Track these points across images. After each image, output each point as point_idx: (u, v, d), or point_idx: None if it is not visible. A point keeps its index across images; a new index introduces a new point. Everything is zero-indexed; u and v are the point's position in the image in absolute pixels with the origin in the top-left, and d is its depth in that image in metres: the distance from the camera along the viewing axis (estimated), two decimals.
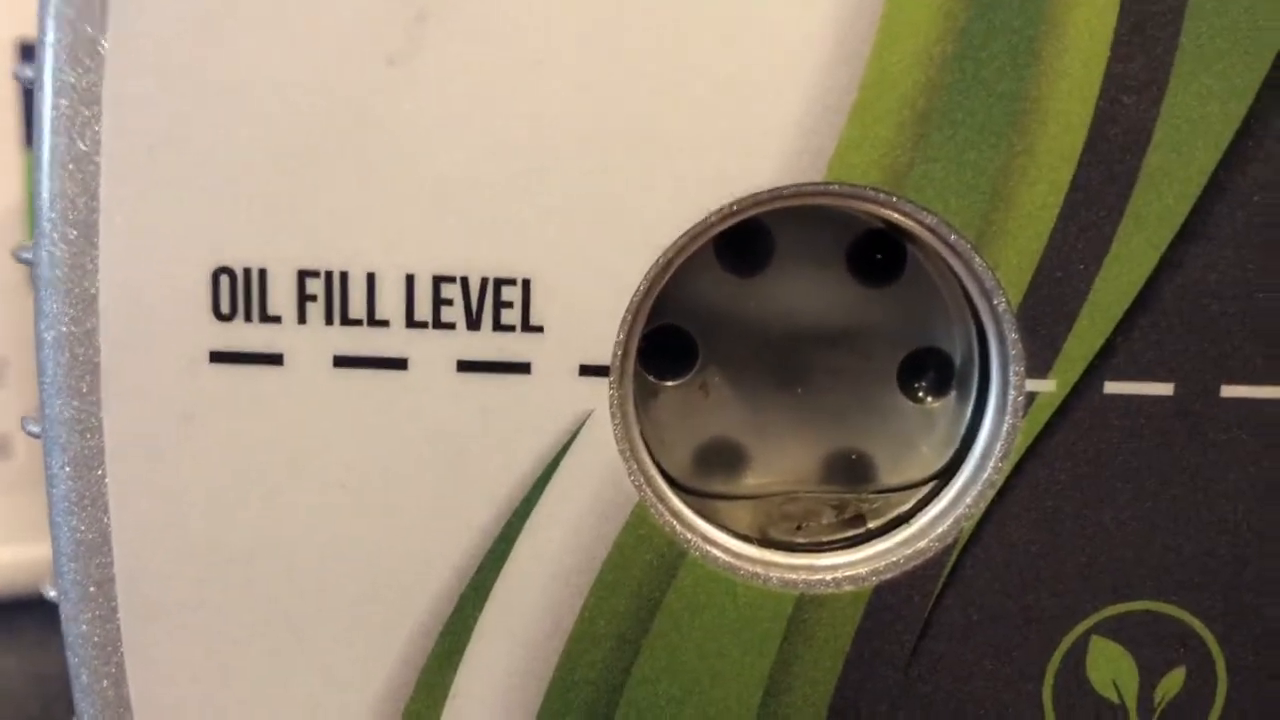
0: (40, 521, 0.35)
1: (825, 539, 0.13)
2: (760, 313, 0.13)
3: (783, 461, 0.14)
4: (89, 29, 0.11)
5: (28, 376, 0.31)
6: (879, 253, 0.13)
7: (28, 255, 0.13)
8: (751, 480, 0.14)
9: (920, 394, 0.13)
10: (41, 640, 0.32)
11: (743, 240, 0.13)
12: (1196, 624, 0.13)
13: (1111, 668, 0.13)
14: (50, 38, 0.12)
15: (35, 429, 0.13)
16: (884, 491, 0.13)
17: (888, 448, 0.14)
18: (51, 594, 0.13)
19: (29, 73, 0.12)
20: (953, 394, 0.13)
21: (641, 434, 0.13)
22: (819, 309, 0.13)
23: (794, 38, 0.11)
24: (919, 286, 0.13)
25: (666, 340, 0.13)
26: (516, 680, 0.13)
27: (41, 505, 0.32)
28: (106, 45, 0.11)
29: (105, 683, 0.13)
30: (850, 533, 0.13)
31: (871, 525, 0.13)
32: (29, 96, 0.25)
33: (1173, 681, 0.13)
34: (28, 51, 0.28)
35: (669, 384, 0.14)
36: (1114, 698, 0.13)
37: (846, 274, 0.13)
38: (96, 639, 0.13)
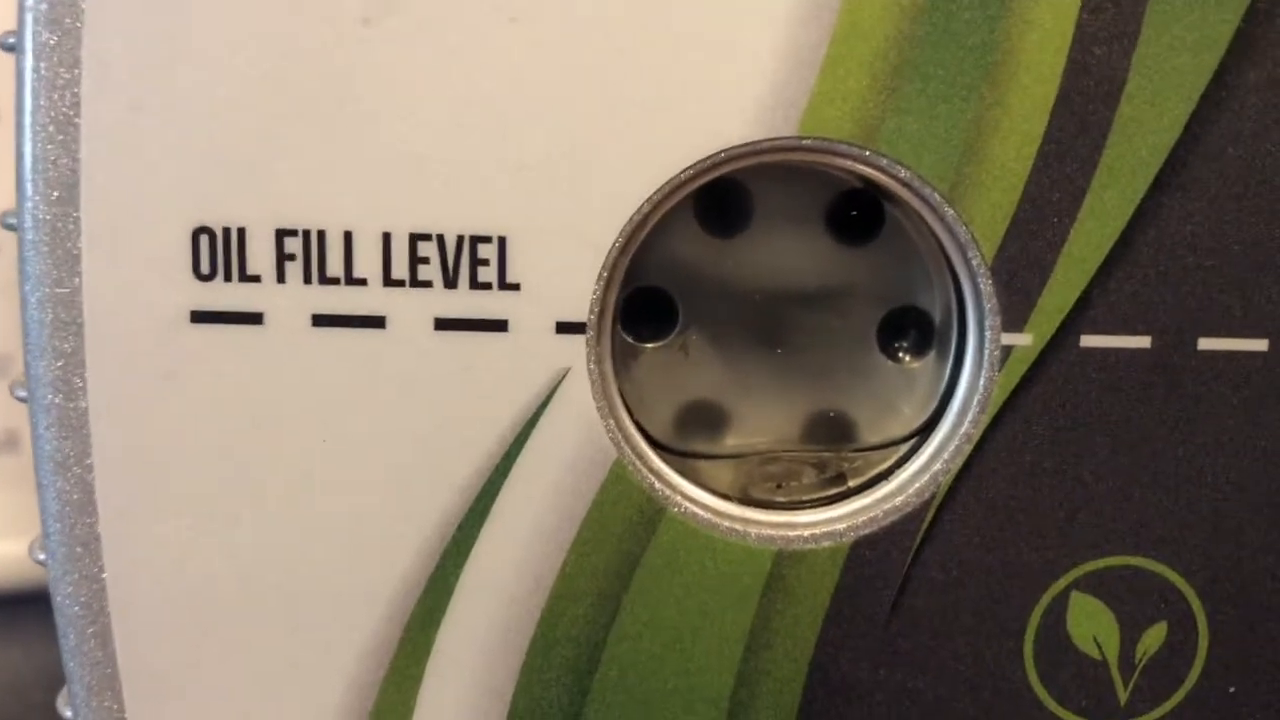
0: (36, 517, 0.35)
1: (805, 498, 0.13)
2: (740, 274, 0.14)
3: (763, 421, 0.14)
4: None
5: None
6: (856, 212, 0.13)
7: (10, 221, 0.13)
8: (732, 440, 0.14)
9: (899, 353, 0.14)
10: (48, 634, 0.32)
11: (722, 201, 0.13)
12: (1177, 579, 0.13)
13: (1092, 624, 0.13)
14: (30, 0, 0.12)
15: (22, 393, 0.13)
16: (864, 450, 0.13)
17: (867, 407, 0.14)
18: (40, 557, 0.14)
19: (10, 39, 0.12)
20: (932, 352, 0.13)
21: (621, 395, 0.13)
22: (798, 269, 0.14)
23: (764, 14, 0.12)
24: (897, 245, 0.13)
25: (647, 302, 0.14)
26: (498, 638, 0.13)
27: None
28: (85, 6, 0.12)
29: (92, 643, 0.13)
30: (830, 491, 0.13)
31: (852, 484, 0.13)
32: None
33: (1154, 637, 0.13)
34: None
35: (649, 346, 0.14)
36: (1095, 654, 0.13)
37: (825, 234, 0.13)
38: (83, 599, 0.13)
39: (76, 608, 0.13)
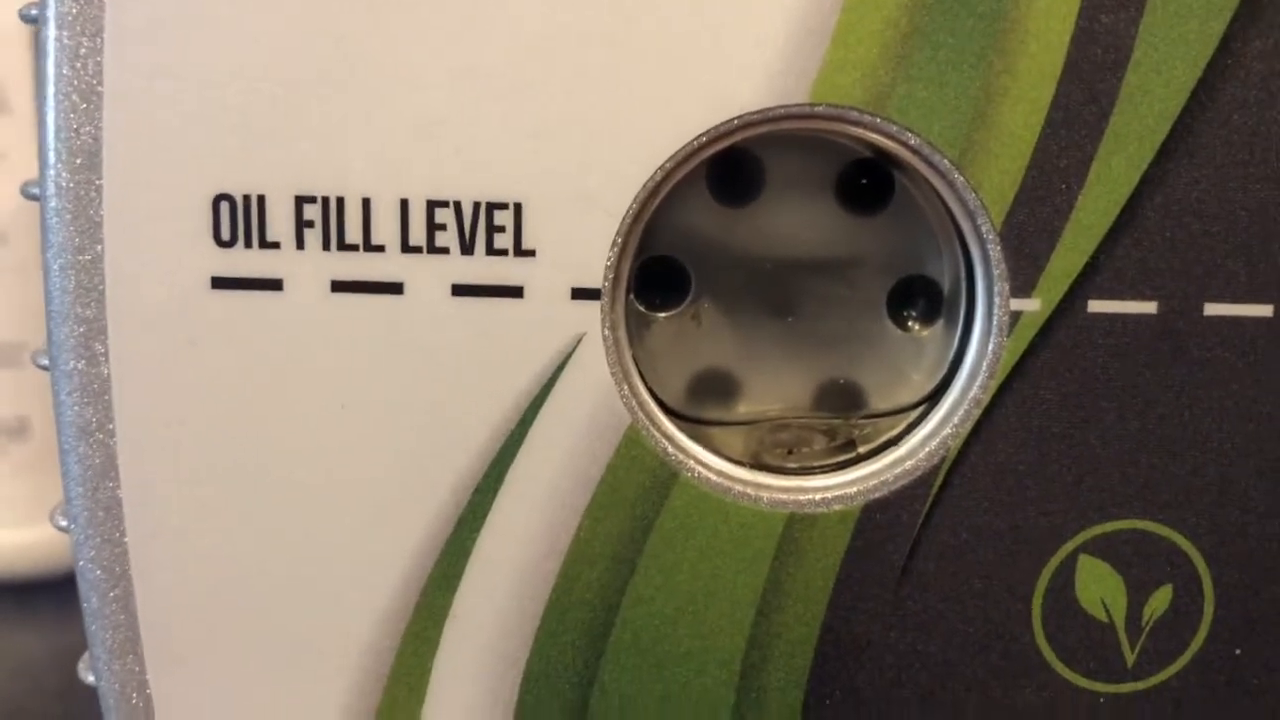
0: (51, 503, 0.35)
1: (816, 464, 0.13)
2: (751, 243, 0.14)
3: (774, 389, 0.14)
4: None
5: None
6: (866, 181, 0.13)
7: (34, 191, 0.13)
8: (744, 407, 0.14)
9: (909, 321, 0.14)
10: (62, 617, 0.32)
11: (734, 170, 0.13)
12: (1183, 542, 0.13)
13: (1099, 586, 0.13)
14: None
15: (44, 360, 0.13)
16: (874, 416, 0.14)
17: (877, 374, 0.14)
18: (62, 523, 0.14)
19: (33, 11, 0.13)
20: (941, 320, 0.14)
21: (635, 362, 0.13)
22: (809, 239, 0.14)
23: None
24: (907, 215, 0.13)
25: (660, 272, 0.14)
26: (514, 601, 0.13)
27: (54, 486, 0.33)
28: None
29: (114, 607, 0.13)
30: (841, 457, 0.13)
31: (861, 450, 0.13)
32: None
33: (1160, 599, 0.13)
34: None
35: (662, 315, 0.14)
36: (1102, 616, 0.13)
37: (835, 203, 0.14)
38: (105, 562, 0.13)
39: (98, 572, 0.13)
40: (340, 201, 0.12)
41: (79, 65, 0.12)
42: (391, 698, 0.13)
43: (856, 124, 0.12)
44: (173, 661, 0.13)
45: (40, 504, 0.33)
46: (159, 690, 0.13)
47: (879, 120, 0.12)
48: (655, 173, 0.12)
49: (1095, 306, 0.13)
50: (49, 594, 0.33)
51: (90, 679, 0.14)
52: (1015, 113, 0.12)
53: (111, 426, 0.13)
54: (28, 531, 0.33)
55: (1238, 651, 0.13)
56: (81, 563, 0.13)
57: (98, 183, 0.12)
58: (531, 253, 0.12)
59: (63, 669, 0.30)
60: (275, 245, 0.12)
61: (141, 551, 0.13)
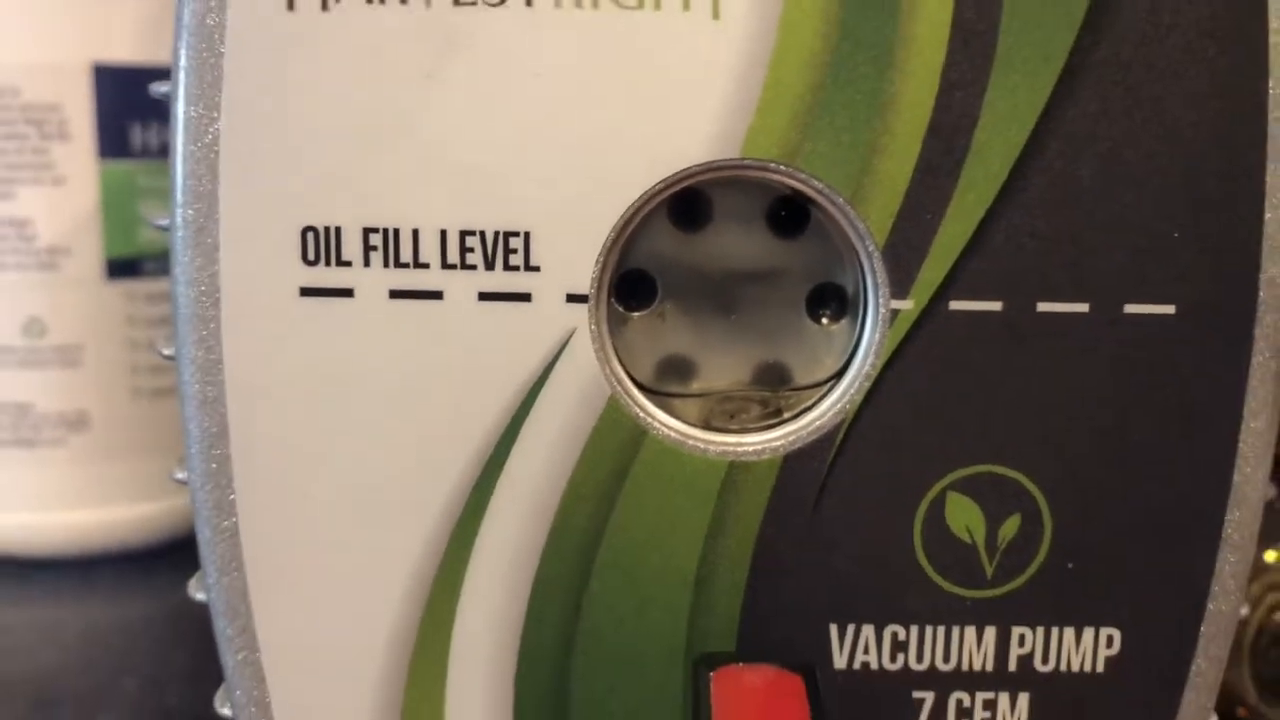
0: (116, 487, 0.40)
1: (751, 425, 0.18)
2: (703, 259, 0.18)
3: (721, 369, 0.18)
4: (212, 57, 0.16)
5: (100, 360, 0.36)
6: (789, 211, 0.18)
7: (163, 223, 0.17)
8: (698, 384, 0.18)
9: (822, 318, 0.18)
10: (116, 593, 0.36)
11: (689, 205, 0.18)
12: (1027, 482, 0.17)
13: (964, 516, 0.17)
14: (183, 62, 0.16)
15: (169, 351, 0.17)
16: (796, 390, 0.18)
17: (799, 358, 0.18)
18: (180, 476, 0.18)
19: (163, 88, 0.17)
20: (846, 317, 0.18)
21: (615, 349, 0.17)
22: (746, 255, 0.18)
23: (714, 59, 0.16)
24: (819, 237, 0.18)
25: (634, 281, 0.18)
26: (527, 524, 0.17)
27: (116, 475, 0.38)
28: (225, 68, 0.16)
29: (223, 535, 0.17)
30: (770, 420, 0.18)
31: (786, 415, 0.18)
32: (105, 109, 0.31)
33: (1010, 526, 0.17)
34: (118, 75, 0.33)
35: (636, 314, 0.18)
36: (967, 539, 0.17)
37: (766, 229, 0.18)
38: (215, 504, 0.17)
39: (212, 511, 0.17)
40: (396, 232, 0.16)
41: (202, 132, 0.16)
42: (437, 594, 0.17)
43: (776, 173, 0.16)
44: (269, 578, 0.17)
45: (96, 490, 0.37)
46: (257, 601, 0.17)
47: (793, 170, 0.16)
48: (628, 209, 0.16)
49: (955, 306, 0.17)
50: (111, 569, 0.37)
51: (200, 596, 0.18)
52: (892, 163, 0.16)
53: (224, 401, 0.17)
54: (85, 514, 0.37)
55: (1070, 565, 0.17)
56: (198, 504, 0.17)
57: (215, 218, 0.16)
58: (537, 268, 0.17)
59: (121, 641, 0.34)
60: (348, 264, 0.16)
61: (245, 493, 0.17)
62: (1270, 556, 0.27)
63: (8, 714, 0.29)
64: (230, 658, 0.17)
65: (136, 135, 0.35)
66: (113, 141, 0.34)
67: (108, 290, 0.35)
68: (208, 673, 0.33)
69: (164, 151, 0.35)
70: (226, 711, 0.18)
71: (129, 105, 0.34)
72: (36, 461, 0.36)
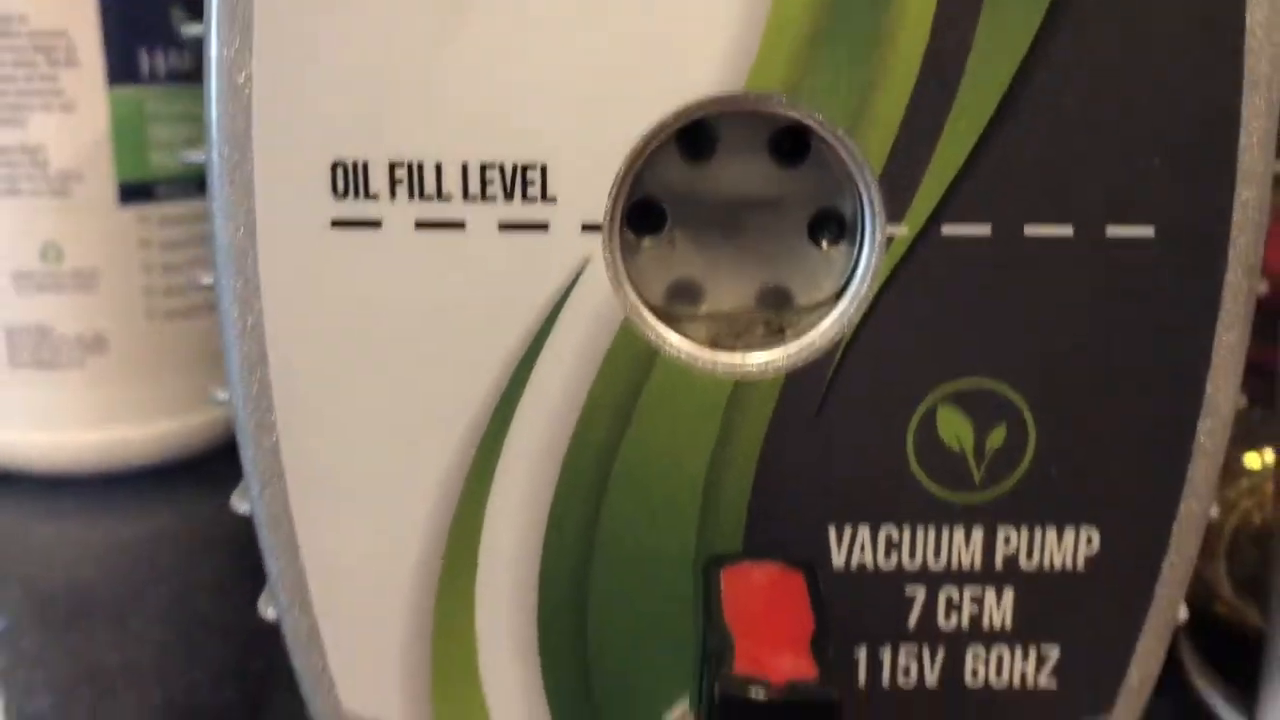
0: (134, 407, 0.42)
1: (756, 345, 0.19)
2: (710, 188, 0.19)
3: (727, 292, 0.19)
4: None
5: (115, 284, 0.37)
6: (790, 141, 0.19)
7: (198, 158, 0.18)
8: (705, 306, 0.19)
9: (823, 242, 0.19)
10: (139, 509, 0.37)
11: (696, 136, 0.19)
12: (1014, 395, 0.18)
13: (954, 427, 0.18)
14: (216, 4, 0.17)
15: (208, 280, 0.19)
16: (798, 311, 0.19)
17: (801, 281, 0.19)
18: (222, 395, 0.19)
19: (194, 30, 0.18)
20: (844, 241, 0.19)
21: (628, 274, 0.18)
22: (751, 184, 0.19)
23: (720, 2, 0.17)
24: (820, 165, 0.19)
25: (645, 211, 0.19)
26: (549, 438, 0.18)
27: (133, 394, 0.39)
28: (256, 11, 0.17)
29: (266, 448, 0.18)
30: (773, 339, 0.19)
31: (788, 334, 0.19)
32: (112, 34, 0.31)
33: (997, 436, 0.18)
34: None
35: (647, 241, 0.19)
36: (957, 448, 0.19)
37: (769, 158, 0.19)
38: (256, 424, 0.18)
39: (252, 428, 0.18)
40: (420, 165, 0.17)
41: (234, 70, 0.17)
42: (465, 502, 0.18)
43: (779, 105, 0.17)
44: (308, 490, 0.19)
45: (115, 410, 0.38)
46: (298, 512, 0.19)
47: (794, 103, 0.17)
48: (640, 141, 0.17)
49: (947, 230, 0.18)
50: (129, 487, 0.38)
51: (244, 508, 0.19)
52: (889, 95, 0.17)
53: (263, 326, 0.18)
54: (104, 433, 0.38)
55: (1052, 471, 0.19)
56: (241, 421, 0.18)
57: (249, 155, 0.17)
58: (554, 199, 0.18)
59: (147, 554, 0.35)
60: (375, 196, 0.17)
61: (286, 417, 0.18)
62: (1251, 461, 0.29)
63: (45, 623, 0.30)
64: (273, 564, 0.19)
65: (144, 61, 0.35)
66: (121, 67, 0.35)
67: (120, 215, 0.36)
68: (235, 582, 0.34)
69: (172, 77, 0.35)
70: (271, 613, 0.19)
71: (136, 31, 0.35)
72: (57, 383, 0.37)
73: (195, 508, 0.37)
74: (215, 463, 0.39)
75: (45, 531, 0.36)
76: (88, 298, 0.37)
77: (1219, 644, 0.26)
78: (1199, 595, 0.28)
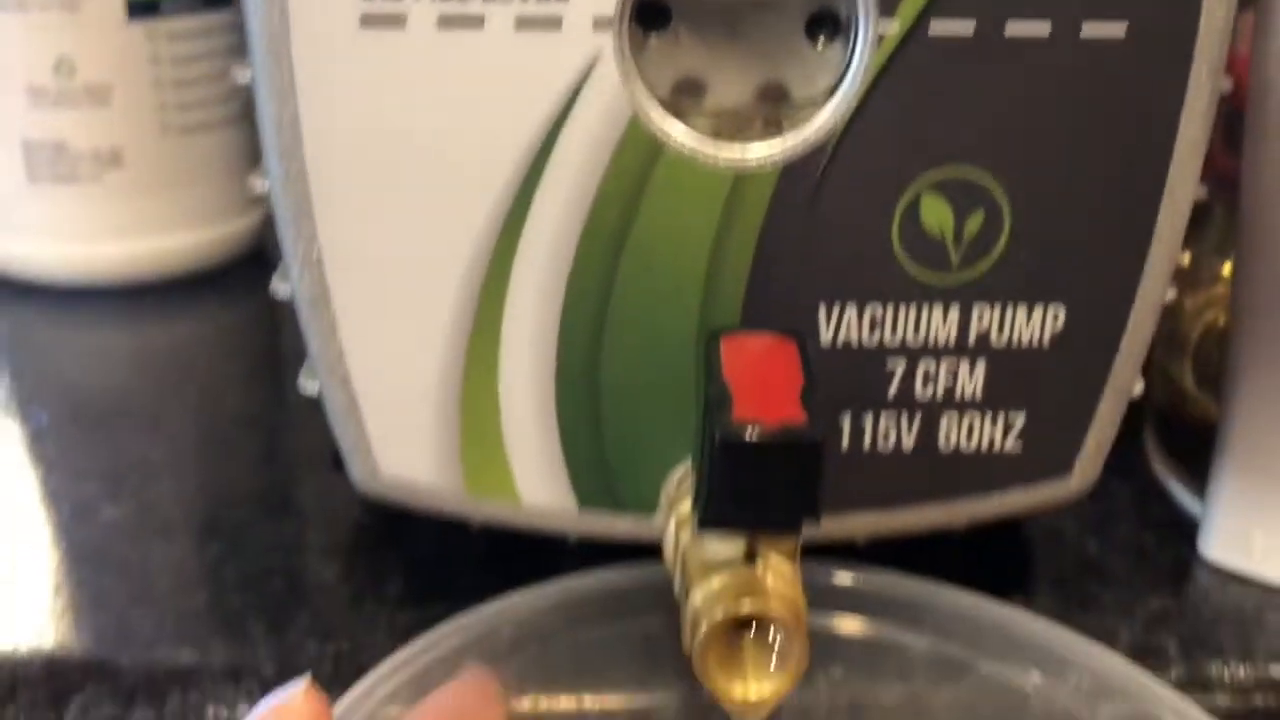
0: (152, 219, 0.44)
1: (755, 138, 0.20)
2: None
3: (729, 89, 0.20)
4: None
5: (128, 99, 0.38)
6: None
7: None
8: (709, 101, 0.21)
9: (819, 41, 0.20)
10: (162, 318, 0.39)
11: None
12: (990, 182, 0.20)
13: (936, 214, 0.20)
14: None
15: (244, 79, 0.20)
16: (794, 106, 0.20)
17: (797, 78, 0.20)
18: (260, 186, 0.20)
19: None
20: (839, 40, 0.20)
21: (637, 71, 0.20)
22: None
23: None
24: None
25: (653, 9, 0.20)
26: (565, 222, 0.20)
27: (150, 208, 0.41)
28: None
29: (303, 240, 0.20)
30: (771, 132, 0.20)
31: (785, 128, 0.20)
32: None
33: (975, 222, 0.20)
34: None
35: (654, 38, 0.20)
36: (938, 234, 0.20)
37: None
38: (294, 209, 0.20)
39: (290, 214, 0.20)
40: None
41: None
42: (490, 277, 0.20)
43: None
44: (344, 270, 0.20)
45: (132, 223, 0.40)
46: (335, 290, 0.20)
47: None
48: None
49: (935, 27, 0.19)
50: (152, 297, 0.40)
51: (284, 291, 0.21)
52: None
53: (298, 119, 0.19)
54: (124, 245, 0.40)
55: (1024, 254, 0.20)
56: (279, 211, 0.20)
57: None
58: None
59: (175, 358, 0.37)
60: None
61: (322, 202, 0.20)
62: (1226, 270, 0.30)
63: (82, 422, 0.33)
64: (313, 341, 0.21)
65: None
66: None
67: (130, 30, 0.37)
68: (260, 381, 0.37)
69: None
70: (312, 386, 0.21)
71: None
72: (75, 197, 0.38)
73: (218, 315, 0.39)
74: (231, 276, 0.41)
75: (73, 339, 0.38)
76: (102, 112, 0.38)
77: (1184, 442, 0.29)
78: (1168, 396, 0.30)
